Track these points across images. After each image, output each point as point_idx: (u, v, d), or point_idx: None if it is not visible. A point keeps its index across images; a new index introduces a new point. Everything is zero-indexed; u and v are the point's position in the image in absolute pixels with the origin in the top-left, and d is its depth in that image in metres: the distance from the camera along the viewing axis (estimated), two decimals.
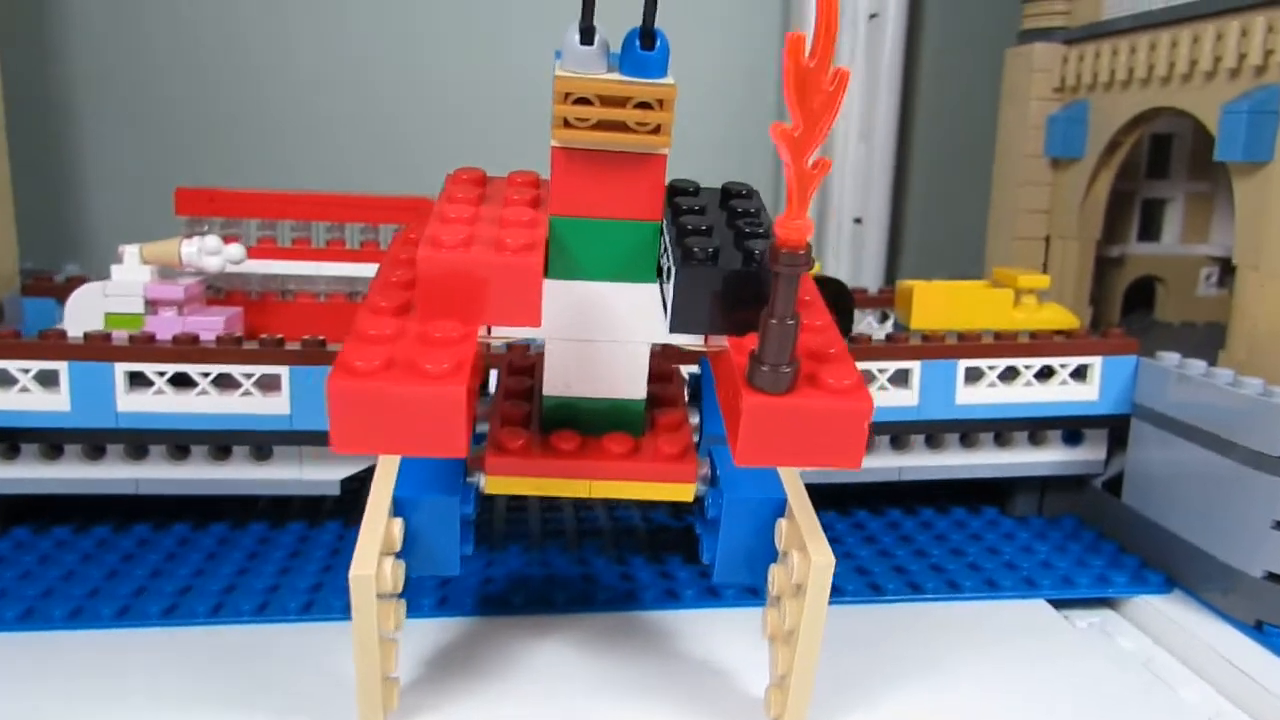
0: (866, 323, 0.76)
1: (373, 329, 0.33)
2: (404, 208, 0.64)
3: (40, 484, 0.53)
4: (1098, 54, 0.70)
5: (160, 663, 0.43)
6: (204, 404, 0.52)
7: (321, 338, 0.53)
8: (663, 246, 0.38)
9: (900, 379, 0.57)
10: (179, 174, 0.78)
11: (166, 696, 0.40)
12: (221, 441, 0.53)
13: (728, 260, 0.35)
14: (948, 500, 0.64)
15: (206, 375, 0.51)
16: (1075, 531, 0.61)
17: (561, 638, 0.46)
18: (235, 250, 0.57)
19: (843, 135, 0.96)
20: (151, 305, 0.56)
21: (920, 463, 0.60)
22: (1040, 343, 0.57)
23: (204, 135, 0.92)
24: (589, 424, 0.41)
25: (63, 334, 0.51)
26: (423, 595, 0.48)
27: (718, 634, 0.47)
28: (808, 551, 0.36)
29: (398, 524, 0.38)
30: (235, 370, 0.51)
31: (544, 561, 0.54)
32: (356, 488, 0.54)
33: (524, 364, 0.47)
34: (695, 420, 0.45)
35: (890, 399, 0.57)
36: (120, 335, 0.52)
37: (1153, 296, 0.83)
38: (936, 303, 0.63)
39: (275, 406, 0.52)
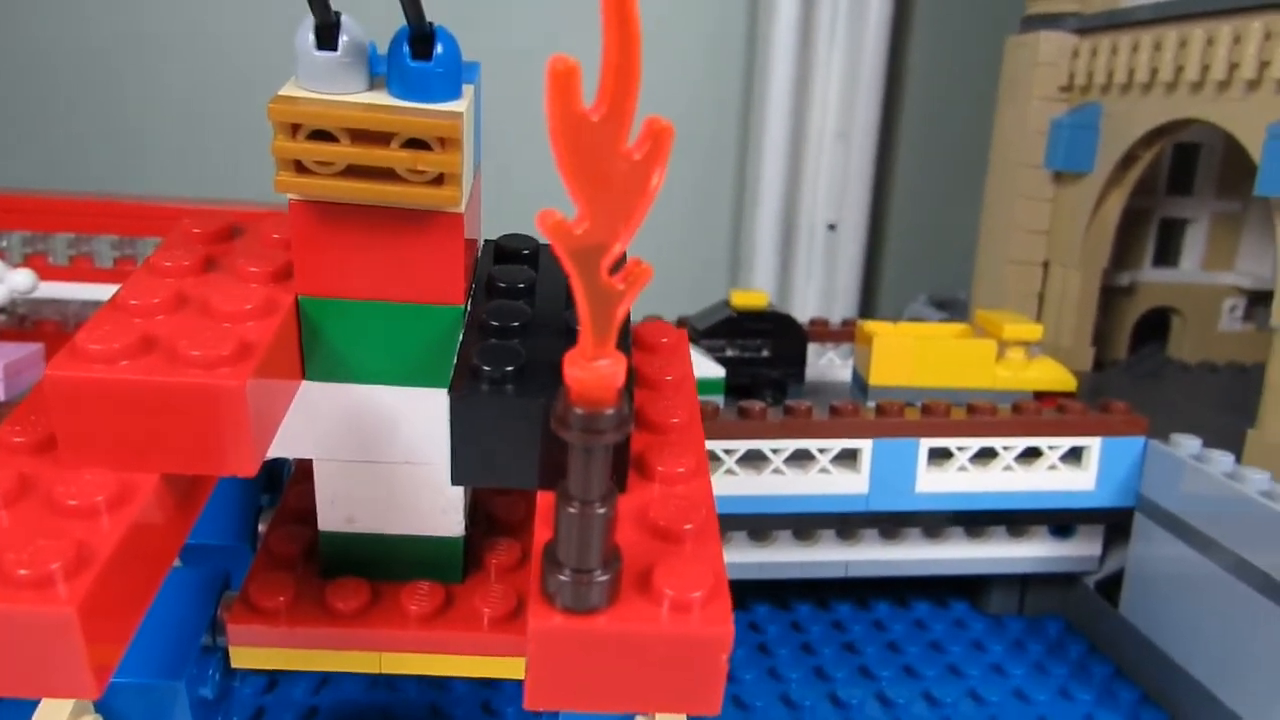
0: (828, 359, 0.64)
1: None
2: (258, 219, 0.52)
3: None
4: (1115, 49, 0.58)
5: None
6: None
7: None
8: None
9: (848, 458, 0.46)
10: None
11: None
12: None
13: (537, 380, 0.24)
14: (909, 590, 0.53)
15: None
16: (1061, 640, 0.50)
17: None
18: (24, 278, 0.45)
19: (817, 132, 0.83)
20: None
21: (872, 556, 0.49)
22: (1024, 418, 0.46)
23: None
24: (386, 567, 0.30)
25: None
26: None
27: None
28: None
29: None
30: None
31: (391, 682, 0.43)
32: None
33: None
34: None
35: (833, 484, 0.45)
36: None
37: (1166, 331, 0.71)
38: (901, 355, 0.51)
39: None
